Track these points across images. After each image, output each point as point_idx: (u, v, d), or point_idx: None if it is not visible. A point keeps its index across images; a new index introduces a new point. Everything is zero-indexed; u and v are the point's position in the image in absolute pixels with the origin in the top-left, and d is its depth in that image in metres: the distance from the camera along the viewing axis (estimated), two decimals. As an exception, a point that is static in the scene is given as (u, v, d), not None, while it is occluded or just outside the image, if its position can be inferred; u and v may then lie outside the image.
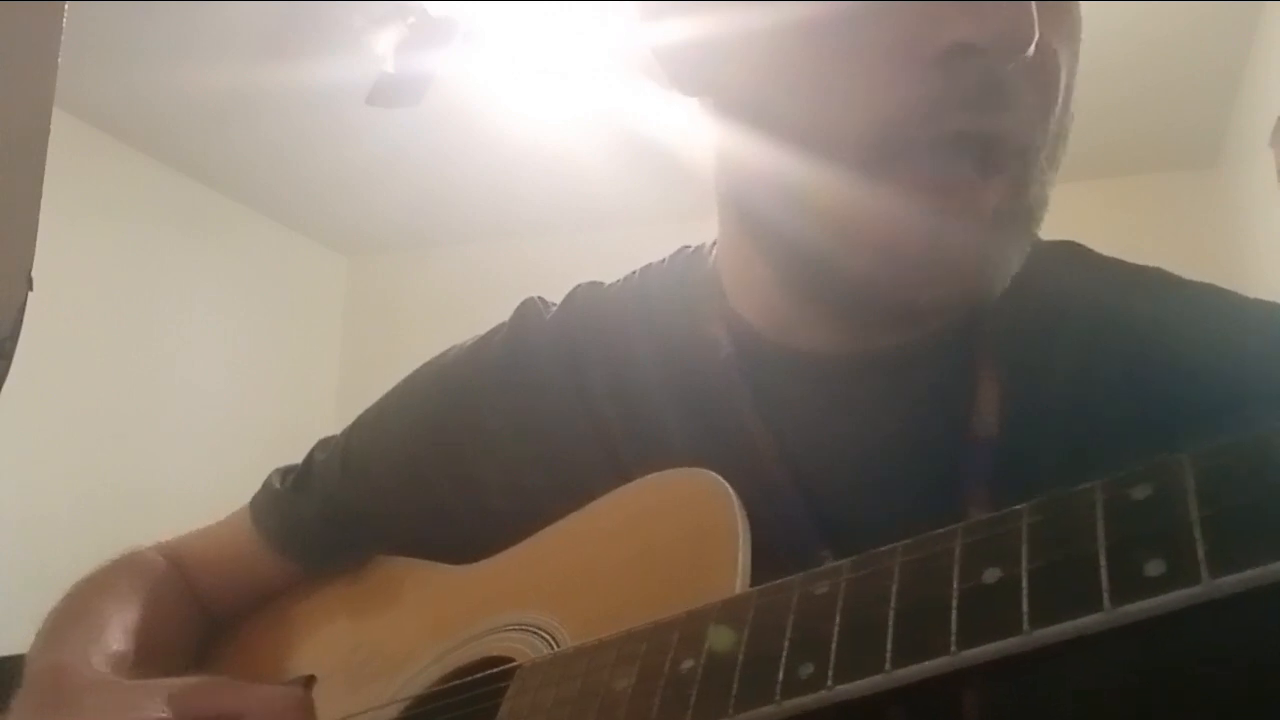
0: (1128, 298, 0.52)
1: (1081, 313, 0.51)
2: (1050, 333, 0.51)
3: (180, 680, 0.53)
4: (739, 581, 0.41)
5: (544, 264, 2.60)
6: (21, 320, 0.47)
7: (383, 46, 2.68)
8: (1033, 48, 0.41)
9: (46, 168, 0.48)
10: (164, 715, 0.50)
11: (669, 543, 0.47)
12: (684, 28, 0.50)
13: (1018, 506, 0.31)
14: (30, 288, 0.47)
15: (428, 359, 0.69)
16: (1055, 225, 0.56)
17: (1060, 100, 0.46)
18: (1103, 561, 0.28)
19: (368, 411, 0.70)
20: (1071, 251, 0.56)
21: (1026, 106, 0.44)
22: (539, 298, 0.65)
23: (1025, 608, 0.28)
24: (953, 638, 0.29)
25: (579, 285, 0.65)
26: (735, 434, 0.52)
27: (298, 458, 0.73)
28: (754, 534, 0.43)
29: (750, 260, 0.54)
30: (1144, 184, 3.66)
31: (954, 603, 0.30)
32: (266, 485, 0.72)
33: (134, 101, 3.15)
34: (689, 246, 0.63)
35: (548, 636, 0.48)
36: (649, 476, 0.51)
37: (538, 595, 0.52)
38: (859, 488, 0.50)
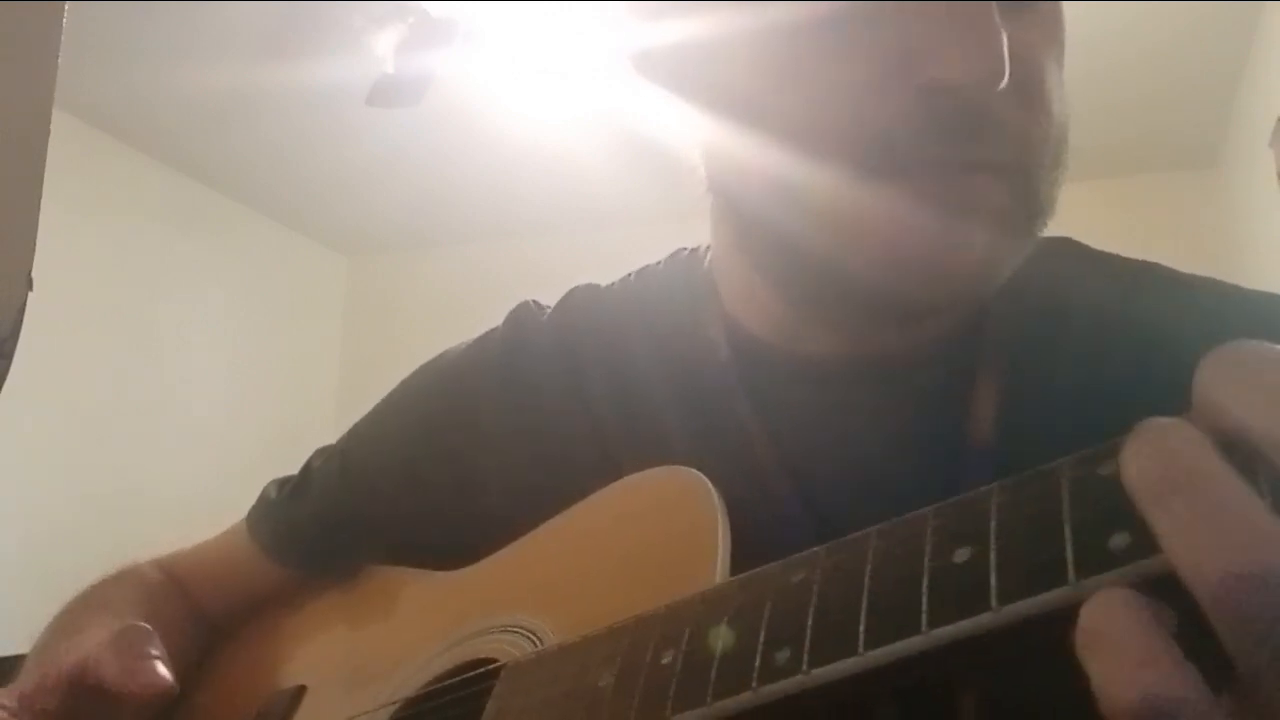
0: (1130, 297, 0.52)
1: (1084, 314, 0.51)
2: (1053, 335, 0.51)
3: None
4: (718, 575, 0.41)
5: (544, 264, 2.60)
6: (21, 320, 0.47)
7: (383, 47, 2.68)
8: (1005, 81, 0.40)
9: (46, 168, 0.48)
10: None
11: (652, 540, 0.47)
12: (681, 28, 0.50)
13: (986, 487, 0.31)
14: (30, 288, 0.47)
15: (427, 359, 0.69)
16: (1055, 225, 0.56)
17: (1050, 106, 0.45)
18: (1068, 537, 0.28)
19: (365, 417, 0.70)
20: (1069, 249, 0.56)
21: (1012, 124, 0.43)
22: (533, 300, 0.65)
23: (994, 584, 0.29)
24: (924, 617, 0.29)
25: (576, 287, 0.65)
26: (734, 436, 0.52)
27: (298, 458, 0.73)
28: (751, 536, 0.43)
29: (744, 267, 0.54)
30: (1144, 184, 3.66)
31: (924, 583, 0.30)
32: (263, 495, 0.72)
33: (134, 101, 3.15)
34: (685, 249, 0.63)
35: (534, 637, 0.48)
36: (632, 475, 0.51)
37: (525, 597, 0.52)
38: (858, 491, 0.49)
